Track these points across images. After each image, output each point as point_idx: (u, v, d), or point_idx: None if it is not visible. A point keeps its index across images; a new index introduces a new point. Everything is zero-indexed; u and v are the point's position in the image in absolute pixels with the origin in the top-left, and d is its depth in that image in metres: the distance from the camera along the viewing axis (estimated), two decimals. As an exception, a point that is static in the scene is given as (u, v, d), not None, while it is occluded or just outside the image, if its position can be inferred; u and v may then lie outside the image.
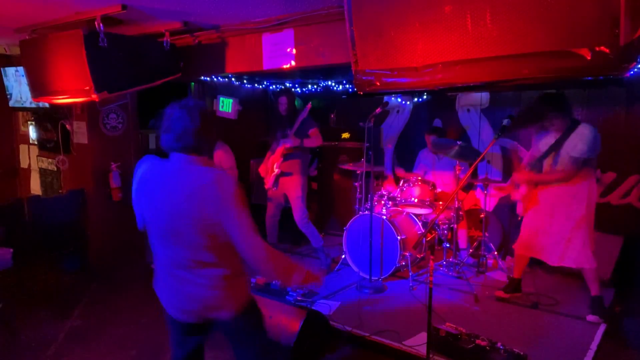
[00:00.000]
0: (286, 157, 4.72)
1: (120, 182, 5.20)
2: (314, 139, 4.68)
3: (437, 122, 5.61)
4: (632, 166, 4.43)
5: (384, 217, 4.48)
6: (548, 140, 3.73)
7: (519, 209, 3.97)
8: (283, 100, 4.76)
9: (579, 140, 3.52)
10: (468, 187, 5.35)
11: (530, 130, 3.94)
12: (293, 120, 4.68)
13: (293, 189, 4.79)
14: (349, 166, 5.18)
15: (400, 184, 4.88)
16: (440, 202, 4.73)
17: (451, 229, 4.73)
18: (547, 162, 3.76)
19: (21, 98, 5.74)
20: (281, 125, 4.79)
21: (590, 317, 3.68)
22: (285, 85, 6.64)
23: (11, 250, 4.72)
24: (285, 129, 4.73)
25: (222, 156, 5.00)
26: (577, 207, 3.61)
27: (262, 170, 4.96)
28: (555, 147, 3.64)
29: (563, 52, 2.31)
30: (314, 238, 4.87)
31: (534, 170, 3.89)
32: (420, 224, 4.81)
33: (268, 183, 4.84)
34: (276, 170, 4.74)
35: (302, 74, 5.95)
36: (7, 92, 5.97)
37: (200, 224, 1.94)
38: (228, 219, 1.93)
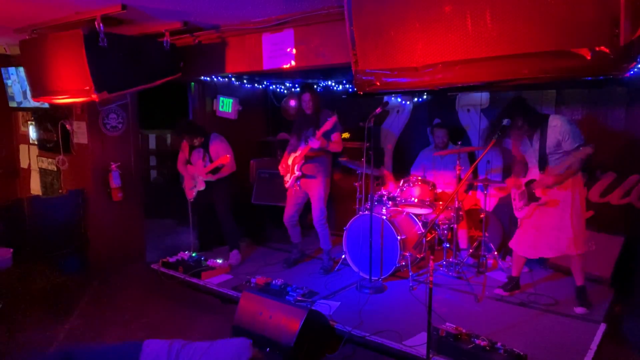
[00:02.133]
0: (308, 159, 4.67)
1: (120, 182, 5.21)
2: (337, 144, 4.62)
3: (437, 122, 5.60)
4: (632, 166, 4.42)
5: (384, 217, 4.48)
6: (527, 147, 3.81)
7: (517, 213, 3.98)
8: (306, 97, 4.59)
9: (559, 134, 3.56)
10: (468, 187, 5.35)
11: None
12: (318, 118, 4.60)
13: (316, 190, 4.75)
14: (347, 162, 5.19)
15: (400, 184, 4.88)
16: (440, 202, 4.73)
17: (451, 229, 4.73)
18: (531, 158, 3.83)
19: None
20: (306, 124, 4.68)
21: (579, 309, 3.76)
22: (285, 85, 6.64)
23: (11, 250, 4.73)
24: (309, 128, 4.64)
25: (219, 147, 4.98)
26: (564, 197, 3.67)
27: (282, 168, 4.87)
28: (542, 150, 3.70)
29: (563, 52, 2.32)
30: (325, 240, 4.88)
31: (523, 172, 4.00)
32: (420, 224, 4.81)
33: (288, 183, 4.79)
34: (297, 173, 4.67)
35: (302, 74, 5.95)
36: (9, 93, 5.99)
37: None
38: None
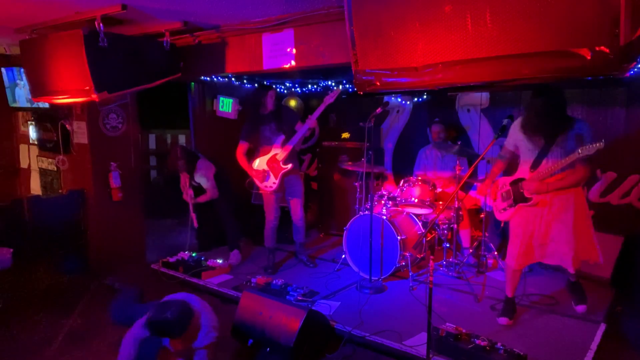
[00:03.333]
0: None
1: (120, 182, 5.21)
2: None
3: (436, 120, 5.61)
4: (632, 166, 4.42)
5: (384, 217, 4.48)
6: (537, 139, 3.41)
7: (499, 215, 3.70)
8: (272, 94, 4.65)
9: (580, 142, 3.24)
10: (468, 187, 5.35)
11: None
12: (278, 116, 4.66)
13: (298, 185, 4.80)
14: (348, 166, 5.19)
15: (401, 184, 4.88)
16: (440, 202, 4.73)
17: (451, 229, 4.73)
18: (539, 163, 3.45)
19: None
20: (264, 121, 4.67)
21: (580, 307, 3.71)
22: (285, 85, 6.64)
23: (11, 250, 4.73)
24: (271, 123, 4.66)
25: (201, 179, 5.06)
26: (564, 205, 3.39)
27: (257, 176, 4.72)
28: (548, 148, 3.36)
29: (563, 52, 2.31)
30: (304, 233, 5.00)
31: (501, 163, 3.72)
32: (420, 224, 4.81)
33: (275, 186, 4.66)
34: (289, 166, 4.60)
35: (302, 74, 5.95)
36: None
37: None
38: None
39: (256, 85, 6.36)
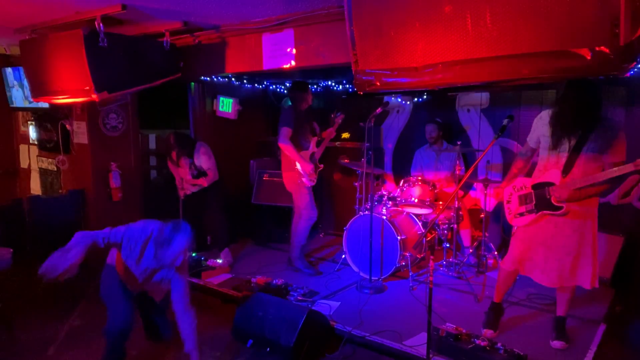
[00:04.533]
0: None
1: (120, 182, 5.20)
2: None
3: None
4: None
5: (384, 217, 4.49)
6: (567, 136, 3.04)
7: (514, 220, 3.31)
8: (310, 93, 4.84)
9: (611, 141, 2.94)
10: (467, 187, 5.35)
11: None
12: (311, 115, 4.87)
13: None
14: (347, 163, 5.20)
15: (401, 184, 4.88)
16: (440, 202, 4.73)
17: (451, 229, 4.73)
18: (553, 160, 3.11)
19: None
20: (305, 119, 4.78)
21: (556, 343, 3.26)
22: (285, 85, 6.64)
23: (11, 250, 4.73)
24: (309, 121, 4.83)
25: (202, 158, 4.99)
26: (585, 217, 3.07)
27: (309, 167, 4.65)
28: (579, 147, 3.01)
29: (563, 52, 2.31)
30: None
31: (521, 162, 3.42)
32: (420, 224, 4.81)
33: (314, 181, 4.76)
34: (321, 166, 4.86)
35: (302, 74, 5.95)
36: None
37: None
38: None
39: (256, 85, 6.36)
